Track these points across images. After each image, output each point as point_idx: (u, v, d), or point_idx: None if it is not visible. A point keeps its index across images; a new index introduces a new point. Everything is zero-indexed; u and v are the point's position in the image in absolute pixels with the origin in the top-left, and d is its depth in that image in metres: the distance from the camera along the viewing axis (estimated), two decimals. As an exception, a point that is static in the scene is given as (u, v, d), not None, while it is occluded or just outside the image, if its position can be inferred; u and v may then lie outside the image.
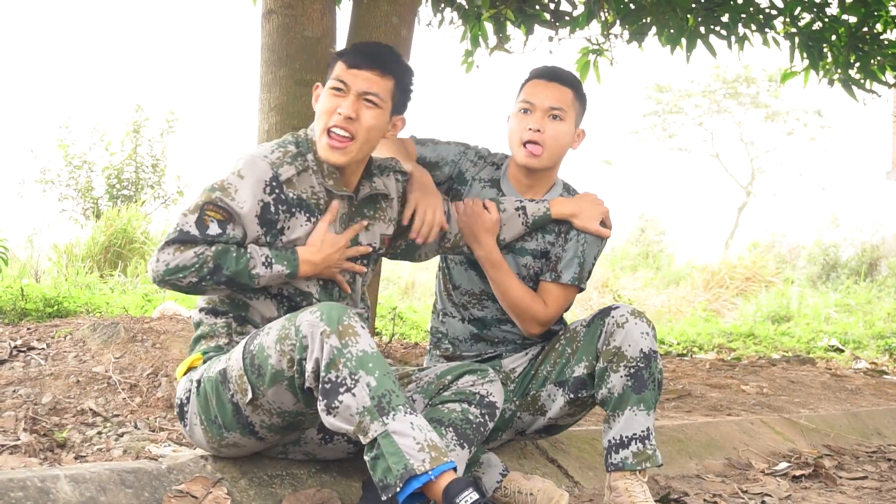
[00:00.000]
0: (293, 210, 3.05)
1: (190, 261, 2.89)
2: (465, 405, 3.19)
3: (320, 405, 2.78)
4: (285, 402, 2.89)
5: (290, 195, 3.04)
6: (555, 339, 3.66)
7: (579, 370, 3.50)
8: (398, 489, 2.67)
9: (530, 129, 3.57)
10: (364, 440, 2.73)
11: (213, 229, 2.93)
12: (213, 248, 2.91)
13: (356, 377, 2.74)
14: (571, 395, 3.53)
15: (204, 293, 3.01)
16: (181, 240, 2.91)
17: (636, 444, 3.35)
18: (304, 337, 2.78)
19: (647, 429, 3.37)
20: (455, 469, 2.74)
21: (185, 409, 3.08)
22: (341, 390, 2.74)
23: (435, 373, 3.29)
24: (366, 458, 2.74)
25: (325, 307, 2.81)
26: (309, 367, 2.77)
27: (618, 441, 3.36)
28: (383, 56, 3.10)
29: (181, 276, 2.90)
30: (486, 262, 3.60)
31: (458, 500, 2.65)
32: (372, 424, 2.72)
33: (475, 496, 2.66)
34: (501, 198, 3.63)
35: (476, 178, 3.73)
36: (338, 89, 3.07)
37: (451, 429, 3.11)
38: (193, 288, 2.94)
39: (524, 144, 3.59)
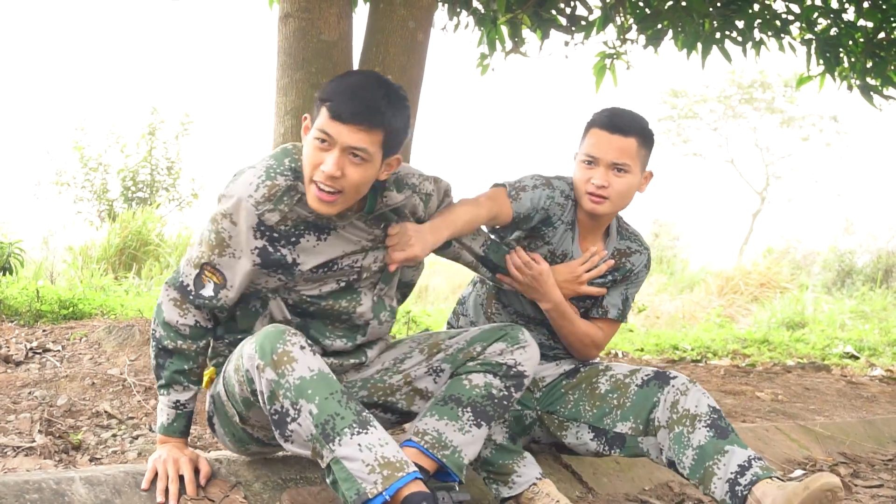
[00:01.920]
0: (294, 238, 2.93)
1: (171, 317, 2.99)
2: (490, 377, 3.12)
3: (276, 434, 2.76)
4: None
5: (284, 228, 2.90)
6: (592, 369, 3.60)
7: (623, 427, 3.42)
8: None
9: (594, 183, 3.46)
10: (322, 465, 2.72)
11: (208, 291, 2.96)
12: (186, 343, 2.99)
13: (297, 407, 2.70)
14: (605, 448, 3.46)
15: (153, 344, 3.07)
16: (179, 290, 3.00)
17: (755, 462, 3.16)
18: (246, 371, 2.77)
19: (753, 454, 3.19)
20: (419, 478, 2.69)
21: (213, 420, 3.12)
22: (288, 420, 2.71)
23: (465, 339, 3.20)
24: (326, 481, 2.74)
25: (261, 336, 2.77)
26: (260, 399, 2.77)
27: (737, 470, 3.15)
28: (370, 110, 2.80)
29: (155, 319, 3.03)
30: (555, 313, 3.54)
31: None
32: (322, 451, 2.69)
33: None
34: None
35: (561, 220, 3.59)
36: (322, 140, 2.83)
37: (468, 409, 3.07)
38: (151, 335, 3.04)
39: (589, 193, 3.48)
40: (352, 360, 3.18)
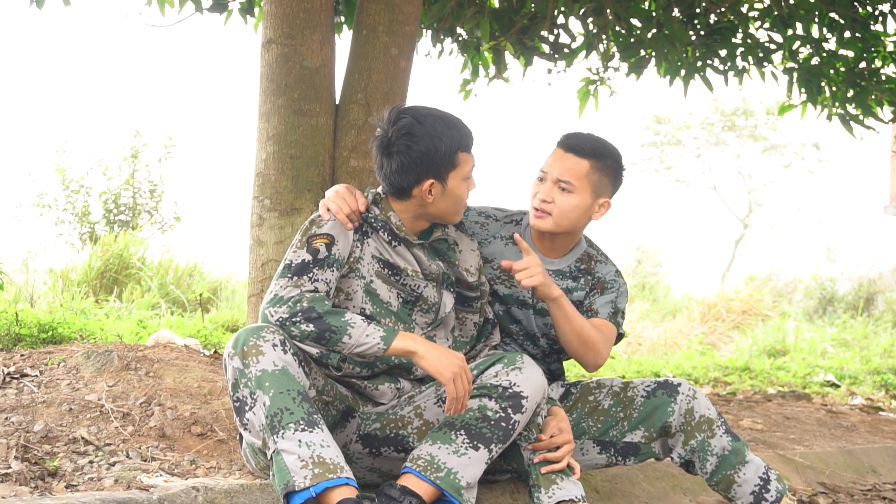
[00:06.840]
0: (378, 228, 3.29)
1: (291, 293, 3.03)
2: (485, 400, 3.15)
3: (237, 422, 2.96)
4: None
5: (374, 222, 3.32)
6: (584, 388, 3.65)
7: (634, 437, 3.54)
8: (283, 502, 2.83)
9: (539, 197, 3.57)
10: (267, 458, 2.90)
11: (323, 252, 3.11)
12: (311, 294, 3.03)
13: (255, 396, 2.89)
14: (619, 458, 3.58)
15: (293, 337, 3.03)
16: (296, 271, 3.09)
17: (771, 474, 3.53)
18: (224, 360, 2.96)
19: (764, 463, 3.57)
20: (350, 484, 2.81)
21: (243, 434, 3.20)
22: (246, 409, 2.91)
23: (469, 366, 3.25)
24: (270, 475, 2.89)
25: (241, 330, 2.97)
26: (229, 388, 2.95)
27: (760, 484, 3.50)
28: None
29: (273, 316, 3.02)
30: (555, 305, 3.48)
31: None
32: (268, 442, 2.86)
33: None
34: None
35: (496, 236, 3.71)
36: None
37: (462, 431, 3.09)
38: (283, 326, 3.02)
39: (534, 207, 3.59)
40: (387, 384, 3.32)
